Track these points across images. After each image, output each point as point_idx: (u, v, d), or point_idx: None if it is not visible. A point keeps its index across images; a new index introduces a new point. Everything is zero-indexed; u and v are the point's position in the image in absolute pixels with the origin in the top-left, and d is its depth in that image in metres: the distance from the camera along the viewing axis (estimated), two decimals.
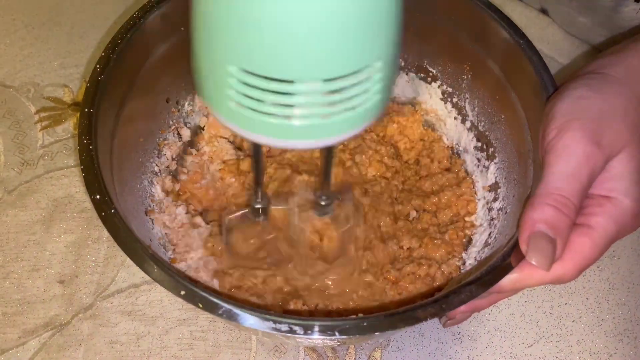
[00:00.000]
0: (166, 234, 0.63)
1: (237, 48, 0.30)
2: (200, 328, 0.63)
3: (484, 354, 0.64)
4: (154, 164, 0.65)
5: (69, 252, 0.67)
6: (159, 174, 0.65)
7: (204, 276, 0.61)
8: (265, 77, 0.30)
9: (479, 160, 0.68)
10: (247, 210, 0.55)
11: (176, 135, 0.69)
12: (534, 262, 0.43)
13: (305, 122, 0.32)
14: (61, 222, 0.70)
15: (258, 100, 0.31)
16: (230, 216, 0.58)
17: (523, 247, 0.44)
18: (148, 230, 0.58)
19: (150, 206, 0.62)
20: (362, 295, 0.60)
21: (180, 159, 0.68)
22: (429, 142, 0.72)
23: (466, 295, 0.42)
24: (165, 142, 0.67)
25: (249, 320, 0.40)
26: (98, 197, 0.46)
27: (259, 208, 0.53)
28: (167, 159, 0.67)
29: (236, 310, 0.40)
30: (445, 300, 0.42)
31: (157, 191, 0.64)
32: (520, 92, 0.58)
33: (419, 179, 0.69)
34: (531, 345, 0.65)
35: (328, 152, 0.45)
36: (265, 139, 0.34)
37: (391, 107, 0.73)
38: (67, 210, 0.71)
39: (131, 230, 0.45)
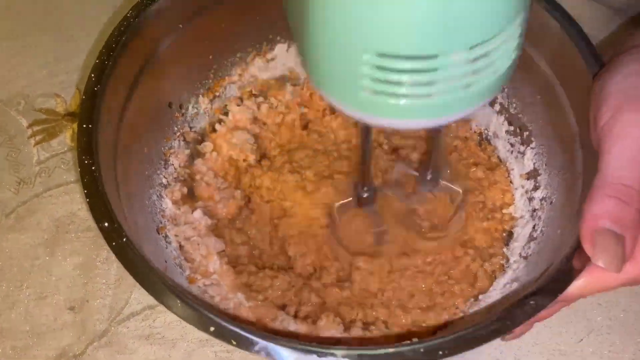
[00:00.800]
0: (180, 246, 0.58)
1: (371, 30, 0.27)
2: (225, 348, 0.59)
3: (531, 353, 0.60)
4: (161, 176, 0.60)
5: (77, 276, 0.64)
6: (167, 186, 0.60)
7: (225, 290, 0.56)
8: (405, 57, 0.28)
9: (512, 145, 0.63)
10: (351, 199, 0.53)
11: (182, 141, 0.63)
12: (601, 264, 0.38)
13: (446, 97, 0.29)
14: (65, 244, 0.65)
15: (396, 83, 0.29)
16: (337, 203, 0.55)
17: (587, 247, 0.39)
18: (162, 251, 0.54)
19: (161, 223, 0.57)
20: (414, 300, 0.56)
21: (188, 166, 0.63)
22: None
23: (531, 307, 0.37)
24: (171, 150, 0.62)
25: (290, 357, 0.35)
26: (107, 224, 0.41)
27: (365, 197, 0.51)
28: (175, 169, 0.62)
29: (274, 347, 0.36)
30: (509, 316, 0.37)
31: (168, 205, 0.59)
32: (560, 70, 0.53)
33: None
34: (581, 340, 0.61)
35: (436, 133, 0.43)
36: (400, 122, 0.31)
37: None
38: (70, 230, 0.66)
39: (148, 260, 0.40)
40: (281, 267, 0.59)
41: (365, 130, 0.43)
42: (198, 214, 0.59)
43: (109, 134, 0.49)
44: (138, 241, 0.46)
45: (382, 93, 0.29)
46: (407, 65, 0.28)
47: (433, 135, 0.46)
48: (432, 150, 0.48)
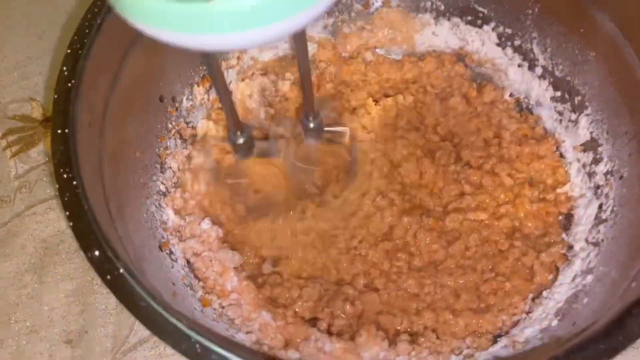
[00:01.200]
0: (189, 262, 0.50)
1: None
2: None
3: None
4: (158, 182, 0.52)
5: (71, 303, 0.57)
6: (167, 193, 0.51)
7: (247, 310, 0.48)
8: None
9: (560, 113, 0.54)
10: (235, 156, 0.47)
11: (178, 140, 0.55)
12: None
13: (238, 2, 0.24)
14: (56, 267, 0.58)
15: None
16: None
17: None
18: (167, 272, 0.46)
19: (164, 237, 0.49)
20: (461, 301, 0.49)
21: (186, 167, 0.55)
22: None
23: None
24: (168, 151, 0.54)
25: None
26: (97, 253, 0.33)
27: (241, 144, 0.44)
28: (174, 172, 0.54)
29: None
30: (622, 330, 0.29)
31: (170, 216, 0.51)
32: (620, 16, 0.44)
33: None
34: None
35: (299, 44, 0.35)
36: (189, 38, 0.26)
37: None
38: (60, 251, 0.59)
39: (150, 292, 0.32)
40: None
41: (210, 65, 0.35)
42: (206, 224, 0.51)
43: (91, 139, 0.41)
44: (137, 265, 0.38)
45: None
46: None
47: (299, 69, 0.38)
48: (303, 87, 0.40)
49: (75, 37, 0.41)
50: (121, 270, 0.32)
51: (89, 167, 0.38)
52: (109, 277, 0.32)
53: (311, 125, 0.45)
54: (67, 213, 0.34)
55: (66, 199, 0.35)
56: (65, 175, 0.36)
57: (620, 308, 0.31)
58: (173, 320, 0.31)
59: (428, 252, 0.51)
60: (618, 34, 0.45)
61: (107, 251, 0.33)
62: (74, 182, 0.35)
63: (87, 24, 0.42)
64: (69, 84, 0.39)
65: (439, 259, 0.51)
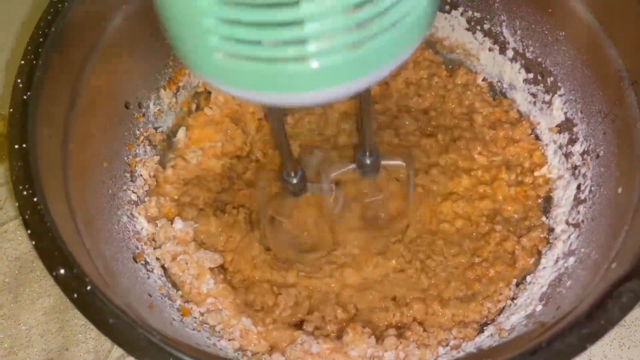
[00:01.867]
0: (165, 269, 0.48)
1: None
2: None
3: None
4: (129, 192, 0.50)
5: (50, 321, 0.55)
6: (138, 202, 0.50)
7: (227, 315, 0.47)
8: (255, 4, 0.22)
9: (534, 95, 0.54)
10: (284, 190, 0.48)
11: (148, 146, 0.53)
12: None
13: (326, 60, 0.23)
14: (32, 285, 0.57)
15: (252, 42, 0.23)
16: (265, 202, 0.50)
17: None
18: (143, 283, 0.44)
19: (138, 248, 0.47)
20: (450, 288, 0.49)
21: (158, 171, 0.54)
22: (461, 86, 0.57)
23: (630, 298, 0.29)
24: (137, 159, 0.52)
25: None
26: (62, 271, 0.31)
27: (296, 184, 0.46)
28: (145, 180, 0.52)
29: None
30: (604, 314, 0.28)
31: (143, 225, 0.49)
32: None
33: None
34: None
35: (363, 99, 0.36)
36: (276, 97, 0.25)
37: None
38: (35, 267, 0.57)
39: (121, 309, 0.31)
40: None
41: (274, 116, 0.36)
42: (179, 224, 0.50)
43: (53, 152, 0.39)
44: (109, 279, 0.37)
45: (239, 56, 0.24)
46: (259, 15, 0.22)
47: (361, 110, 0.38)
48: (363, 128, 0.40)
49: (29, 48, 0.40)
50: (88, 288, 0.31)
51: (51, 182, 0.37)
52: (75, 295, 0.31)
53: (367, 161, 0.45)
54: (29, 231, 0.33)
55: (27, 216, 0.33)
56: (25, 192, 0.34)
57: (601, 291, 0.30)
58: (144, 334, 0.30)
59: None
60: (586, 12, 0.44)
61: (73, 269, 0.31)
62: (35, 199, 0.34)
63: (41, 32, 0.40)
64: (25, 97, 0.38)
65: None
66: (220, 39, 0.23)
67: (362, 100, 0.37)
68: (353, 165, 0.48)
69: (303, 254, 0.51)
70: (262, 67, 0.23)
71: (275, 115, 0.37)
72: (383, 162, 0.46)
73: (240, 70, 0.24)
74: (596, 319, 0.28)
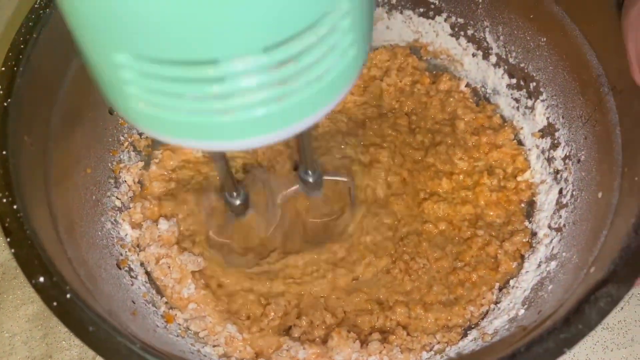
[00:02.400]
0: (148, 275, 0.48)
1: (121, 27, 0.20)
2: None
3: None
4: (113, 198, 0.50)
5: (34, 328, 0.55)
6: (123, 208, 0.50)
7: (211, 322, 0.47)
8: (173, 62, 0.21)
9: (517, 100, 0.54)
10: (228, 213, 0.48)
11: (132, 152, 0.53)
12: None
13: (249, 114, 0.23)
14: (15, 292, 0.56)
15: (174, 94, 0.22)
16: (211, 233, 0.49)
17: None
18: (127, 290, 0.44)
19: (122, 255, 0.47)
20: (432, 293, 0.48)
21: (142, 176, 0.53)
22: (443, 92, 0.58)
23: (607, 302, 0.29)
24: (121, 165, 0.51)
25: None
26: (42, 279, 0.31)
27: (239, 205, 0.46)
28: (129, 186, 0.52)
29: None
30: (581, 319, 0.28)
31: (127, 231, 0.49)
32: (567, 1, 0.44)
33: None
34: (622, 308, 0.53)
35: (302, 138, 0.36)
36: (202, 144, 0.25)
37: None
38: (18, 274, 0.57)
39: (102, 316, 0.30)
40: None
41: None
42: (164, 224, 0.49)
43: (34, 160, 0.39)
44: (92, 286, 0.36)
45: (163, 107, 0.23)
46: (178, 72, 0.21)
47: (300, 144, 0.39)
48: (303, 147, 0.40)
49: (10, 54, 0.39)
50: (68, 296, 0.31)
51: (32, 189, 0.37)
52: (55, 303, 0.30)
53: (310, 179, 0.45)
54: (8, 239, 0.32)
55: (7, 224, 0.33)
56: (4, 200, 0.34)
57: (579, 295, 0.30)
58: (125, 342, 0.29)
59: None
60: (566, 18, 0.45)
61: (52, 277, 0.31)
62: (15, 206, 0.34)
63: (21, 39, 0.40)
64: (5, 104, 0.37)
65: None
66: (141, 90, 0.23)
67: (301, 140, 0.38)
68: (296, 187, 0.48)
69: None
70: (185, 118, 0.23)
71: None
72: (326, 178, 0.46)
73: (164, 119, 0.24)
74: (574, 323, 0.29)
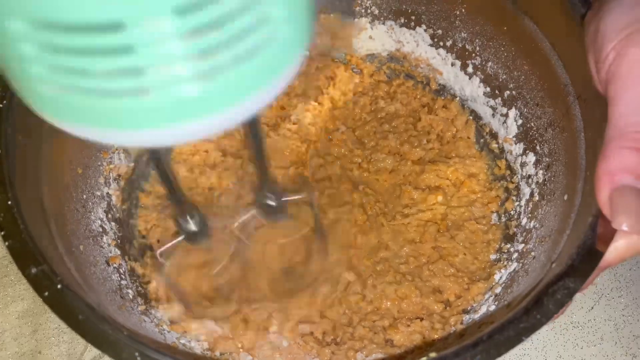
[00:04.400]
0: (134, 271, 0.50)
1: None
2: None
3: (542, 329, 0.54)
4: (102, 197, 0.51)
5: (23, 325, 0.56)
6: (112, 208, 0.51)
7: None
8: (73, 27, 0.18)
9: (493, 108, 0.57)
10: (180, 239, 0.41)
11: (122, 154, 0.55)
12: (625, 228, 0.32)
13: (168, 94, 0.20)
14: (5, 289, 0.57)
15: (80, 72, 0.19)
16: (160, 249, 0.43)
17: (605, 210, 0.33)
18: (116, 286, 0.45)
19: (111, 252, 0.48)
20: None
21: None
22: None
23: (563, 294, 0.31)
24: (112, 166, 0.53)
25: None
26: (34, 270, 0.33)
27: (193, 232, 0.38)
28: (119, 187, 0.53)
29: None
30: (539, 309, 0.31)
31: (115, 228, 0.50)
32: (537, 15, 0.47)
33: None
34: (592, 308, 0.56)
35: (251, 130, 0.31)
36: (119, 136, 0.22)
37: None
38: (9, 272, 0.58)
39: (91, 305, 0.32)
40: None
41: (153, 156, 0.31)
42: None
43: (28, 158, 0.40)
44: (82, 280, 0.38)
45: (68, 88, 0.20)
46: (82, 40, 0.18)
47: (252, 146, 0.33)
48: (258, 165, 0.35)
49: None
50: (59, 286, 0.32)
51: (25, 187, 0.38)
52: (46, 293, 0.32)
53: (273, 203, 0.39)
54: (3, 233, 0.34)
55: (1, 219, 0.35)
56: None
57: (539, 288, 0.32)
58: (113, 330, 0.31)
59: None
60: (536, 30, 0.47)
61: (44, 268, 0.33)
62: (9, 202, 0.35)
63: None
64: (1, 105, 0.39)
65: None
66: (44, 68, 0.20)
67: (251, 135, 0.31)
68: (252, 212, 0.42)
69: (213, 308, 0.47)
70: (96, 102, 0.20)
71: (154, 155, 0.32)
72: (284, 199, 0.40)
73: (72, 104, 0.20)
74: (532, 314, 0.31)
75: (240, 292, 0.47)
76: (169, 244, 0.42)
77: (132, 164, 0.55)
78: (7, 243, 0.34)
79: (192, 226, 0.38)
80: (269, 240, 0.47)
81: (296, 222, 0.47)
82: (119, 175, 0.53)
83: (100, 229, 0.49)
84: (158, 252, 0.43)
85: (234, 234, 0.45)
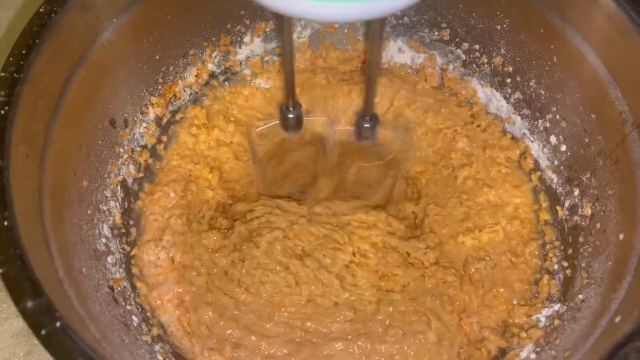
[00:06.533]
0: (138, 294, 0.46)
1: None
2: None
3: None
4: (109, 213, 0.47)
5: (17, 344, 0.53)
6: (119, 225, 0.48)
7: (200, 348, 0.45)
8: None
9: (531, 131, 0.53)
10: (276, 122, 0.46)
11: (131, 165, 0.51)
12: None
13: None
14: (0, 305, 0.54)
15: None
16: (258, 128, 0.49)
17: None
18: (119, 311, 0.41)
19: (116, 274, 0.45)
20: None
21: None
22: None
23: (637, 358, 0.27)
24: (119, 178, 0.50)
25: None
26: (30, 304, 0.29)
27: (291, 118, 0.44)
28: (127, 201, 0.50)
29: None
30: None
31: (122, 249, 0.47)
32: (587, 30, 0.43)
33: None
34: None
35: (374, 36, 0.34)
36: (311, 6, 0.26)
37: None
38: (4, 288, 0.54)
39: (94, 348, 0.28)
40: None
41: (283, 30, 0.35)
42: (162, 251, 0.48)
43: (28, 172, 0.37)
44: (83, 306, 0.34)
45: None
46: None
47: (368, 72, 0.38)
48: (368, 85, 0.39)
49: (11, 59, 0.37)
50: (58, 324, 0.28)
51: (25, 204, 0.35)
52: (43, 332, 0.28)
53: (367, 125, 0.43)
54: None
55: None
56: None
57: (606, 348, 0.28)
58: None
59: None
60: (591, 51, 0.43)
61: (42, 302, 0.29)
62: (5, 223, 0.31)
63: (24, 44, 0.38)
64: (3, 111, 0.35)
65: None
66: None
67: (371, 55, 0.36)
68: (350, 128, 0.46)
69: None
70: None
71: (285, 32, 0.36)
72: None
73: None
74: None
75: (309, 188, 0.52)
76: (265, 126, 0.48)
77: (140, 174, 0.51)
78: (1, 271, 0.30)
79: (291, 114, 0.43)
80: (351, 156, 0.51)
81: (381, 149, 0.51)
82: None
83: (105, 248, 0.45)
84: (257, 129, 0.49)
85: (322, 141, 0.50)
